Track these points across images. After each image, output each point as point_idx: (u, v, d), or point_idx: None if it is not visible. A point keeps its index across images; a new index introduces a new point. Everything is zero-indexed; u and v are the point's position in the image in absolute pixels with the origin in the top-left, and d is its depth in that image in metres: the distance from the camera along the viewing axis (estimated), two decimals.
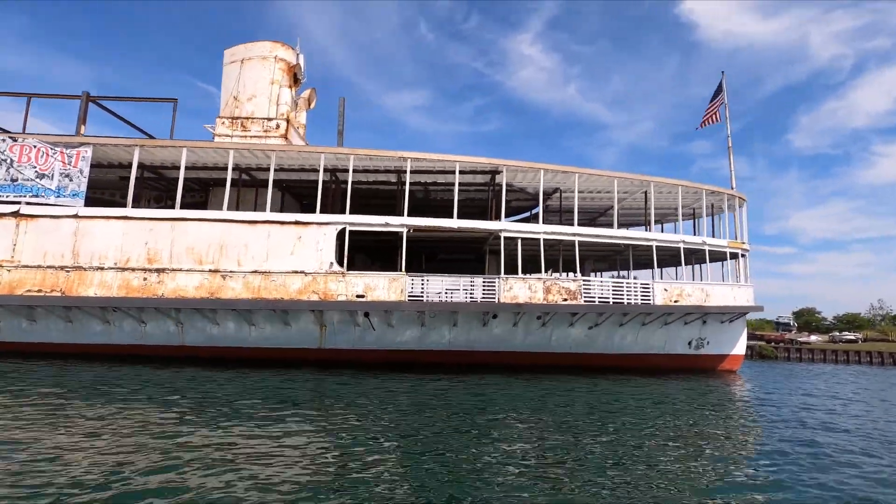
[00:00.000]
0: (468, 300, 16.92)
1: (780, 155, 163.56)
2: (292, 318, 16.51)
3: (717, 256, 21.86)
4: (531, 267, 20.63)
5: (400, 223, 16.91)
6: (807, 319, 59.56)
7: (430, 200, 22.40)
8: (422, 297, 16.40)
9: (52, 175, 15.58)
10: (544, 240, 17.97)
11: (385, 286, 16.26)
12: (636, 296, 18.80)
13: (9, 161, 15.58)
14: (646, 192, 20.46)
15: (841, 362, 32.95)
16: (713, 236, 23.53)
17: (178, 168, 16.95)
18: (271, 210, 17.19)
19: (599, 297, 18.30)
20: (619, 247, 20.47)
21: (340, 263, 16.34)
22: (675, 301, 19.23)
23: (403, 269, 16.66)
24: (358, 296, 16.08)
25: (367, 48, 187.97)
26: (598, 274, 27.91)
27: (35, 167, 15.57)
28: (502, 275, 17.22)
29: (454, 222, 17.25)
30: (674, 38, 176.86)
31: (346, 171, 17.74)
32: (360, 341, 17.20)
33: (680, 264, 20.08)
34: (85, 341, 15.98)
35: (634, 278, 21.89)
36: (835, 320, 58.14)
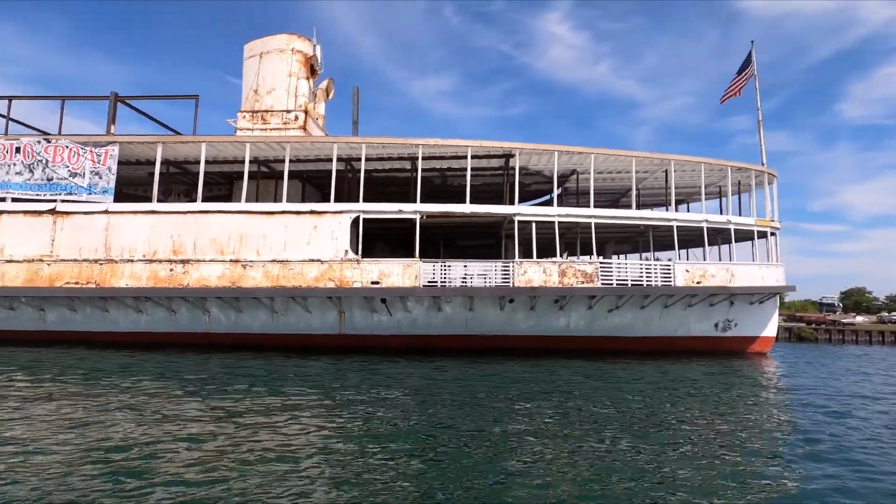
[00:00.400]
0: (485, 284, 17.02)
1: (829, 127, 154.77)
2: (312, 306, 17.01)
3: (744, 236, 21.10)
4: (551, 251, 20.51)
5: (413, 209, 17.08)
6: (856, 300, 56.73)
7: (447, 186, 22.45)
8: (436, 283, 16.58)
9: (84, 173, 16.48)
10: (559, 222, 17.79)
11: (399, 272, 16.51)
12: (656, 278, 18.42)
13: (45, 162, 16.56)
14: (666, 171, 19.88)
15: (889, 343, 31.31)
16: (740, 215, 22.75)
17: (199, 162, 17.62)
18: (291, 201, 17.67)
19: (618, 280, 18.04)
20: (638, 228, 20.03)
21: (356, 251, 16.68)
22: (698, 282, 18.74)
23: (418, 255, 16.86)
24: (373, 282, 16.41)
25: (394, 36, 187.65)
26: (624, 256, 27.42)
27: (68, 166, 16.50)
28: (517, 259, 17.19)
29: (466, 207, 17.29)
30: (713, 10, 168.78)
31: (360, 159, 18.01)
32: (378, 326, 17.58)
33: (705, 245, 19.49)
34: (119, 329, 16.97)
35: (657, 260, 21.40)
36: (886, 300, 55.18)
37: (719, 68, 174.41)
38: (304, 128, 21.32)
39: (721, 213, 23.46)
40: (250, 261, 16.29)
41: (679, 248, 26.34)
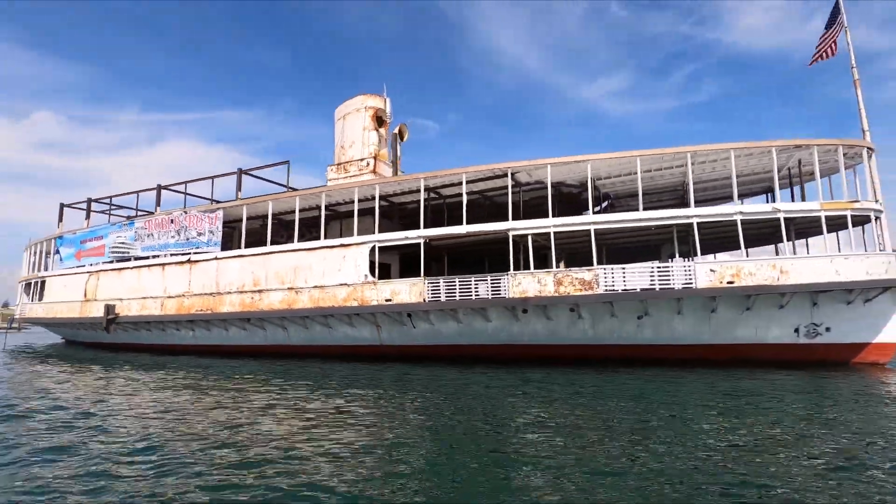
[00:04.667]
0: (490, 297, 18.39)
1: None
2: (355, 321, 20.63)
3: (808, 225, 17.92)
4: (580, 261, 20.50)
5: (417, 235, 19.59)
6: None
7: (488, 208, 24.08)
8: (439, 297, 18.64)
9: (204, 232, 23.34)
10: (555, 233, 18.16)
11: (407, 290, 19.09)
12: (674, 281, 17.22)
13: (184, 227, 23.98)
14: (689, 165, 18.25)
15: None
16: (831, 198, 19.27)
17: (288, 213, 23.03)
18: (364, 233, 21.13)
19: (624, 287, 17.46)
20: (649, 230, 18.84)
21: (373, 274, 19.88)
22: (730, 282, 16.90)
23: (423, 274, 19.22)
24: (386, 300, 19.32)
25: (558, 44, 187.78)
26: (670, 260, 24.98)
27: (195, 229, 23.58)
28: (511, 271, 18.15)
29: (463, 228, 19.05)
30: None
31: (384, 196, 21.27)
32: (407, 337, 20.28)
33: (741, 240, 17.33)
34: (224, 343, 23.23)
35: (687, 260, 19.51)
36: None
37: None
38: (374, 171, 25.60)
39: (802, 199, 20.19)
40: (300, 287, 20.82)
41: (746, 247, 23.25)
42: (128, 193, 30.87)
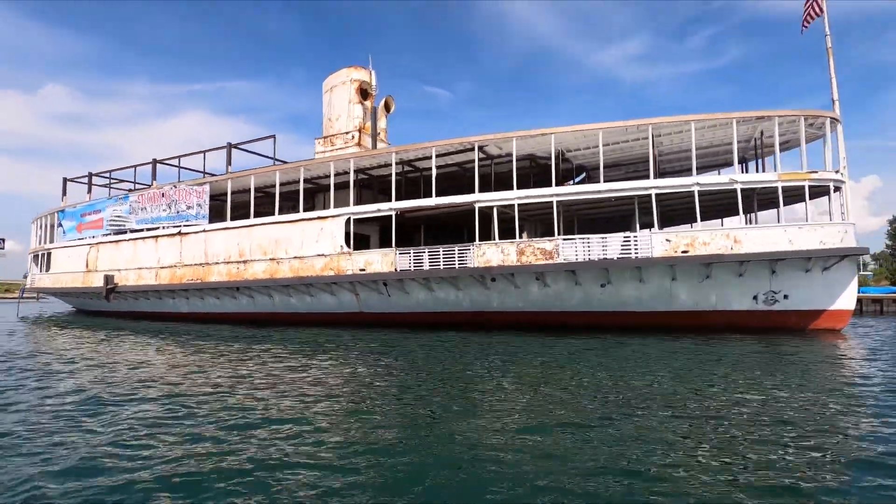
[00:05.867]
0: (458, 266, 19.22)
1: None
2: (336, 290, 21.68)
3: (771, 196, 18.35)
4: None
5: (388, 207, 20.40)
6: None
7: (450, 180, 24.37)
8: (409, 268, 19.54)
9: (192, 206, 24.40)
10: (518, 205, 18.82)
11: (380, 260, 20.03)
12: (634, 250, 17.82)
13: (175, 201, 25.06)
14: (651, 137, 18.60)
15: None
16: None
17: (272, 186, 23.87)
18: (345, 205, 21.77)
19: (588, 256, 18.10)
20: (610, 201, 19.37)
21: (348, 245, 20.81)
22: (684, 251, 17.51)
23: (394, 245, 20.09)
24: (360, 269, 20.30)
25: (572, 8, 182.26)
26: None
27: (185, 202, 24.65)
28: (476, 242, 18.94)
29: (432, 201, 19.80)
30: None
31: (361, 169, 21.99)
32: (385, 305, 21.31)
33: (697, 212, 17.82)
34: (216, 311, 24.54)
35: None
36: None
37: None
38: (359, 143, 26.28)
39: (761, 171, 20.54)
40: (281, 258, 21.88)
41: (717, 218, 23.74)
42: (125, 168, 32.03)
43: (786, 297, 18.26)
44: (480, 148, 20.14)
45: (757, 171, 21.28)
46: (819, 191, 18.49)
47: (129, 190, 30.75)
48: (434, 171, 20.04)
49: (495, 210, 19.12)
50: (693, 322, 18.09)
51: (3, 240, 64.02)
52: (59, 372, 10.01)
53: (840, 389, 8.02)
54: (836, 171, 18.26)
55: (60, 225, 31.47)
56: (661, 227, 23.26)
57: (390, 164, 21.73)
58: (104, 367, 10.57)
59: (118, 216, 26.96)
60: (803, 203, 21.17)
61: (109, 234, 27.78)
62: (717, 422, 6.02)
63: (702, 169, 23.51)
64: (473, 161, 21.72)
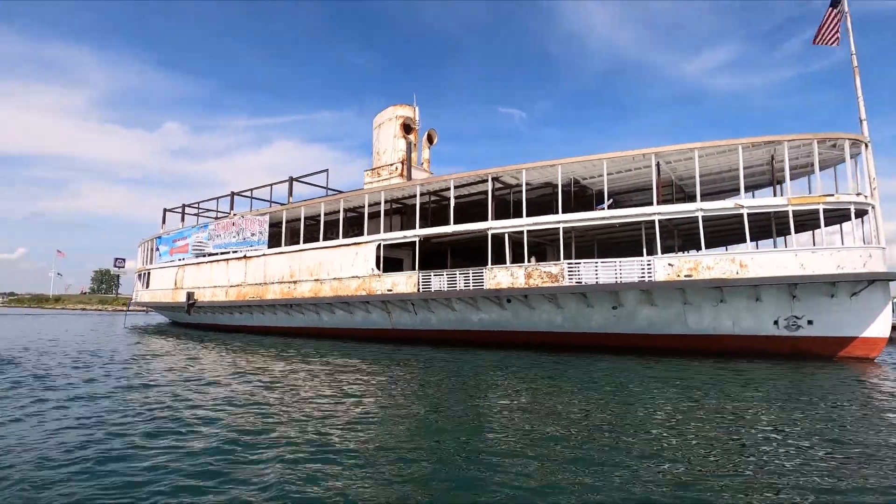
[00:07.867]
0: (473, 287, 20.84)
1: None
2: (371, 308, 24.07)
3: (777, 220, 18.20)
4: (583, 254, 21.98)
5: (413, 234, 22.52)
6: None
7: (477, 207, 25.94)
8: (430, 288, 21.42)
9: (255, 233, 28.14)
10: (528, 231, 20.12)
11: (405, 282, 22.13)
12: (641, 274, 18.36)
13: (242, 228, 29.01)
14: (658, 166, 19.15)
15: None
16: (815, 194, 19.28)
17: (320, 215, 27.12)
18: (378, 232, 24.61)
19: (589, 279, 18.93)
20: (614, 227, 20.02)
21: (379, 268, 23.14)
22: (687, 276, 17.89)
23: (417, 268, 22.12)
24: (388, 290, 22.51)
25: (652, 19, 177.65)
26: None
27: (250, 230, 28.47)
28: (489, 265, 20.43)
29: (450, 228, 21.63)
30: None
31: (394, 200, 24.36)
32: (413, 322, 23.32)
33: (701, 238, 18.10)
34: (272, 324, 27.84)
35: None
36: None
37: None
38: (402, 174, 28.94)
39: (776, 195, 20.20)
40: (323, 279, 24.71)
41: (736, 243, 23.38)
42: (210, 199, 37.18)
43: (810, 322, 17.87)
44: (496, 178, 21.74)
45: (774, 195, 20.88)
46: (837, 215, 18.01)
47: (215, 218, 35.65)
48: (452, 201, 21.90)
49: (507, 236, 20.56)
50: (710, 346, 18.11)
51: (124, 259, 74.35)
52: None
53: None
54: (858, 195, 17.73)
55: (157, 249, 37.03)
56: (687, 251, 23.45)
57: (423, 194, 23.89)
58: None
59: (200, 242, 31.54)
60: (841, 226, 20.70)
61: (193, 257, 32.47)
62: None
63: (728, 193, 23.34)
64: (498, 189, 23.36)
